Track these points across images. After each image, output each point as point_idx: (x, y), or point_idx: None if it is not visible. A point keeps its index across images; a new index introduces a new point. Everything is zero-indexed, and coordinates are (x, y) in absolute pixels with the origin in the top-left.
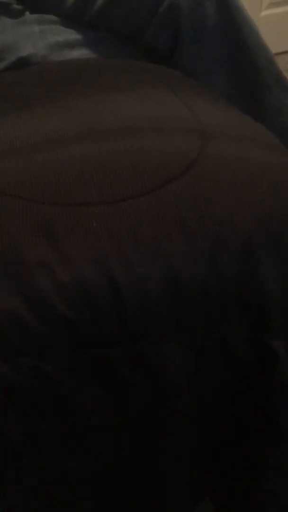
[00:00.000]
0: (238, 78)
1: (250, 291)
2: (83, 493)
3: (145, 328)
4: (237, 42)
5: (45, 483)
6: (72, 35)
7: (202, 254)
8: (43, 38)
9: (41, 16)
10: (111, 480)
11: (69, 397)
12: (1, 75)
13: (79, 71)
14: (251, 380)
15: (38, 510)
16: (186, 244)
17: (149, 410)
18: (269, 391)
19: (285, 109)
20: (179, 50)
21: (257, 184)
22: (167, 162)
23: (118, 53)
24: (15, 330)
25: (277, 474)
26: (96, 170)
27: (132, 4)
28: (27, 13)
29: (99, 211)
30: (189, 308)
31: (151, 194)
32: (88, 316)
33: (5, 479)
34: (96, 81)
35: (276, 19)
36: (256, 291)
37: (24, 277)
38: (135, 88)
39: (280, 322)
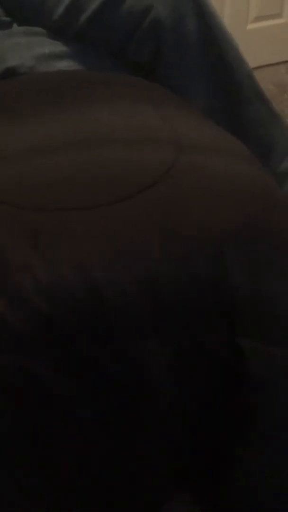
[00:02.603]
0: (217, 92)
1: (222, 293)
2: (69, 489)
3: (124, 327)
4: (217, 57)
5: (30, 479)
6: (58, 47)
7: (177, 257)
8: (30, 50)
9: (28, 28)
10: (93, 470)
11: (52, 394)
12: None
13: (63, 83)
14: (226, 377)
15: (26, 506)
16: (162, 248)
17: (131, 405)
18: (243, 388)
19: (263, 121)
20: (160, 64)
21: (229, 194)
22: (143, 170)
23: (101, 66)
24: None
25: (254, 468)
26: (76, 178)
27: (116, 19)
28: (15, 25)
29: (79, 217)
30: (165, 308)
31: (128, 200)
32: (69, 316)
33: None
34: (79, 93)
35: (262, 32)
36: (227, 293)
37: (7, 278)
38: (115, 101)
39: (249, 323)
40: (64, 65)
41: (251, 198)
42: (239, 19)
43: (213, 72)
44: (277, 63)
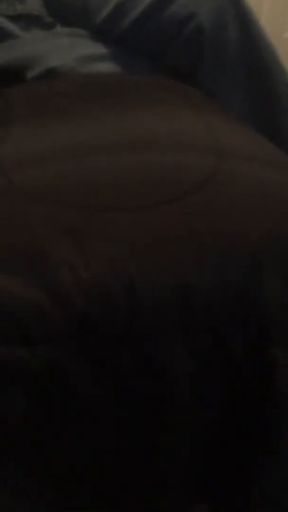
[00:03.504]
0: (255, 100)
1: (253, 302)
2: (82, 485)
3: (153, 329)
4: (257, 66)
5: (44, 471)
6: (100, 49)
7: (211, 265)
8: (72, 51)
9: (71, 30)
10: (110, 473)
11: (76, 386)
12: (31, 84)
13: (105, 85)
14: (250, 386)
15: (37, 499)
16: (197, 254)
17: (151, 406)
18: (268, 398)
19: None
20: (199, 70)
21: (268, 203)
22: (185, 176)
23: (142, 69)
24: (36, 319)
25: (272, 479)
26: (118, 180)
27: (158, 25)
28: (58, 26)
29: (120, 217)
30: (195, 314)
31: (168, 205)
32: (103, 313)
33: (5, 463)
34: (120, 95)
35: None
36: (259, 302)
37: (48, 273)
38: (157, 105)
39: (280, 333)
40: (105, 67)
41: None
42: (275, 27)
43: (252, 80)
44: None
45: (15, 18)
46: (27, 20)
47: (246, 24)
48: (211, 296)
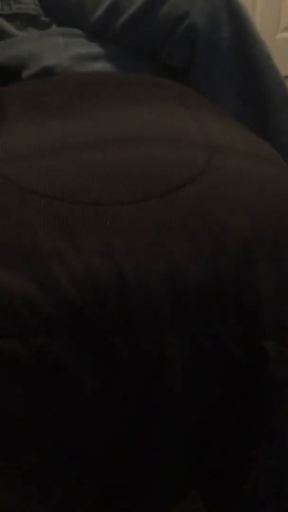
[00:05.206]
0: (247, 98)
1: (246, 293)
2: (80, 477)
3: (146, 319)
4: (250, 65)
5: (43, 465)
6: (95, 48)
7: (203, 255)
8: (67, 50)
9: (67, 29)
10: (107, 465)
11: (71, 379)
12: (26, 82)
13: (99, 83)
14: (243, 376)
15: (35, 492)
16: (189, 244)
17: (145, 396)
18: (260, 388)
19: None
20: (193, 68)
21: (258, 196)
22: (177, 170)
23: (136, 68)
24: (29, 311)
25: (265, 469)
26: (110, 174)
27: (152, 24)
28: (54, 25)
29: (112, 211)
30: (188, 303)
31: (160, 198)
32: (95, 303)
33: (4, 457)
34: (114, 93)
35: None
36: (251, 293)
37: (40, 265)
38: (150, 102)
39: (272, 325)
40: (100, 66)
41: (281, 202)
42: (268, 28)
43: (244, 79)
44: None
45: (11, 17)
46: (23, 19)
47: (240, 23)
48: (204, 287)
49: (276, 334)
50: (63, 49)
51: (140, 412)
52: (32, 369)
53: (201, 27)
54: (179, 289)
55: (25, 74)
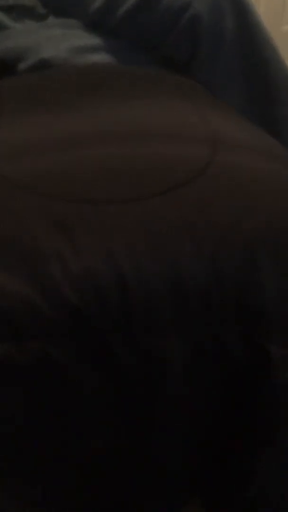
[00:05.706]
0: (252, 91)
1: (249, 296)
2: (81, 478)
3: (147, 321)
4: (254, 57)
5: (43, 468)
6: (93, 40)
7: (205, 256)
8: (65, 41)
9: (64, 20)
10: (108, 467)
11: (71, 381)
12: (24, 75)
13: (98, 76)
14: (245, 379)
15: (35, 497)
16: (192, 246)
17: (146, 398)
18: (262, 391)
19: None
20: (196, 61)
21: (264, 194)
22: (179, 167)
23: (137, 60)
24: (26, 314)
25: (268, 472)
26: (111, 171)
27: (155, 14)
28: (51, 17)
29: (112, 209)
30: (190, 305)
31: (162, 196)
32: (95, 305)
33: (4, 461)
34: (114, 87)
35: None
36: (255, 296)
37: (38, 265)
38: (151, 96)
39: (276, 328)
40: (98, 58)
41: (284, 200)
42: (274, 21)
43: (249, 71)
44: None
45: (8, 9)
46: (20, 11)
47: (243, 14)
48: (205, 288)
49: (279, 335)
50: (60, 41)
51: (140, 413)
52: (31, 371)
53: (204, 18)
54: (180, 289)
55: (21, 66)
